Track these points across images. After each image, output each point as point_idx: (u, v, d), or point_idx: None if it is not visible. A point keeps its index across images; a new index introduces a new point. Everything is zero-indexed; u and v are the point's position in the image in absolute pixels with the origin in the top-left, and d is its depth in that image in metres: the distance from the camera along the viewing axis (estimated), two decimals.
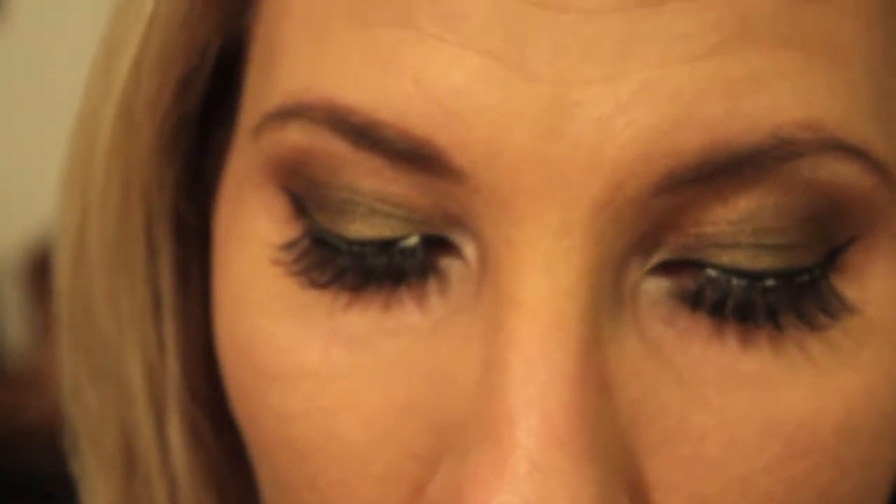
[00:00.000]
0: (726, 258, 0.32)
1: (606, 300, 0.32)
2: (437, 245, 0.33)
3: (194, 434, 0.41)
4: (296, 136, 0.33)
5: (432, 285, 0.33)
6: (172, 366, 0.41)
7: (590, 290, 0.31)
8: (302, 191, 0.34)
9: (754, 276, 0.32)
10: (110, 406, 0.42)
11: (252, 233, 0.35)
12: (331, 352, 0.33)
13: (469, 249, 0.33)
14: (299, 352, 0.34)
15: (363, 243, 0.33)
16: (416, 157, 0.31)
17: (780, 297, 0.32)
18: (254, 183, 0.35)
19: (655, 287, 0.33)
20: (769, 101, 0.30)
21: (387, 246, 0.33)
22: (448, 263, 0.33)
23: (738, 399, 0.32)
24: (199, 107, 0.39)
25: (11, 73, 1.96)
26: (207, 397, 0.41)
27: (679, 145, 0.30)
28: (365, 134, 0.31)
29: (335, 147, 0.32)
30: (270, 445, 0.35)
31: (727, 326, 0.32)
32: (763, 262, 0.32)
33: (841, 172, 0.31)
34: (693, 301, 0.32)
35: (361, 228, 0.33)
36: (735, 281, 0.32)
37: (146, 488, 0.42)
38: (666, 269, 0.32)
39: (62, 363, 0.43)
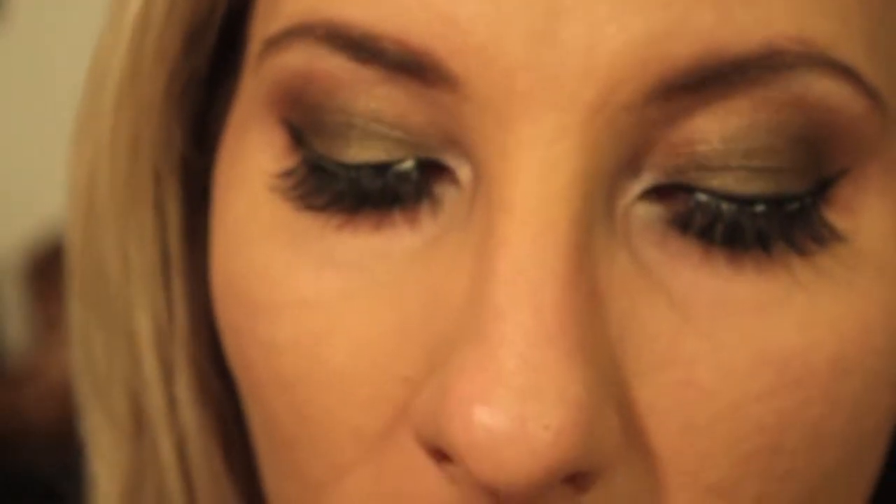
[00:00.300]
0: (716, 182, 0.32)
1: (599, 211, 0.32)
2: (432, 170, 0.33)
3: (202, 390, 0.41)
4: (296, 58, 0.33)
5: (425, 209, 0.33)
6: (181, 322, 0.41)
7: (583, 196, 0.31)
8: (300, 120, 0.34)
9: (744, 201, 0.32)
10: (118, 360, 0.42)
11: (251, 168, 0.36)
12: (322, 278, 0.34)
13: (464, 172, 0.33)
14: (291, 281, 0.34)
15: (359, 167, 0.33)
16: (414, 68, 0.31)
17: (770, 224, 0.32)
18: (255, 118, 0.36)
19: (646, 211, 0.33)
20: (761, 14, 0.31)
21: (382, 170, 0.33)
22: (443, 189, 0.33)
23: (730, 325, 0.32)
24: (207, 65, 0.39)
25: (11, 73, 1.96)
26: (215, 354, 0.40)
27: (671, 52, 0.30)
28: (364, 47, 0.32)
29: (334, 66, 0.32)
30: (259, 380, 0.35)
31: (717, 251, 0.32)
32: (753, 186, 0.32)
33: (833, 92, 0.32)
34: (683, 225, 0.33)
35: (358, 153, 0.33)
36: (725, 205, 0.32)
37: (154, 445, 0.42)
38: (658, 193, 0.32)
39: (71, 314, 0.43)
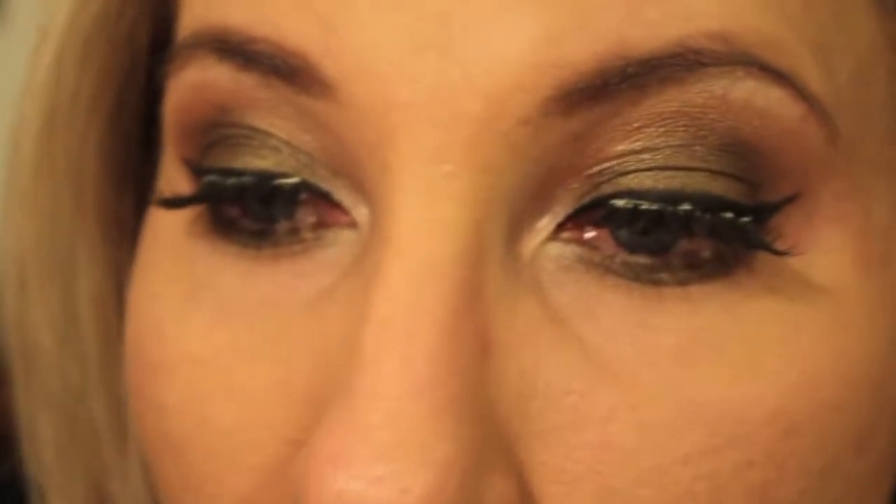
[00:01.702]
0: (633, 181, 0.28)
1: (496, 247, 0.28)
2: (328, 212, 0.30)
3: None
4: (191, 73, 0.31)
5: (320, 255, 0.30)
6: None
7: (473, 227, 0.28)
8: (198, 147, 0.32)
9: (667, 198, 0.28)
10: (74, 445, 0.40)
11: (158, 218, 0.34)
12: (213, 332, 0.31)
13: (361, 212, 0.30)
14: (183, 336, 0.32)
15: (247, 174, 0.31)
16: (288, 71, 0.29)
17: (699, 227, 0.28)
18: (166, 162, 0.34)
19: (560, 252, 0.29)
20: (679, 9, 0.28)
21: (267, 183, 0.31)
22: (338, 233, 0.30)
23: (652, 376, 0.28)
24: (139, 123, 0.37)
25: (11, 73, 1.95)
26: None
27: (570, 53, 0.27)
28: (244, 52, 0.30)
29: (223, 77, 0.30)
30: (151, 443, 0.33)
31: (638, 290, 0.29)
32: (676, 181, 0.28)
33: (760, 95, 0.28)
34: (605, 265, 0.29)
35: (249, 162, 0.31)
36: (645, 205, 0.28)
37: None
38: (573, 227, 0.29)
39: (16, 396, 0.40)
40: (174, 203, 0.33)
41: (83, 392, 0.39)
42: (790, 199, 0.29)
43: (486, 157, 0.28)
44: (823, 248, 0.30)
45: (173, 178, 0.34)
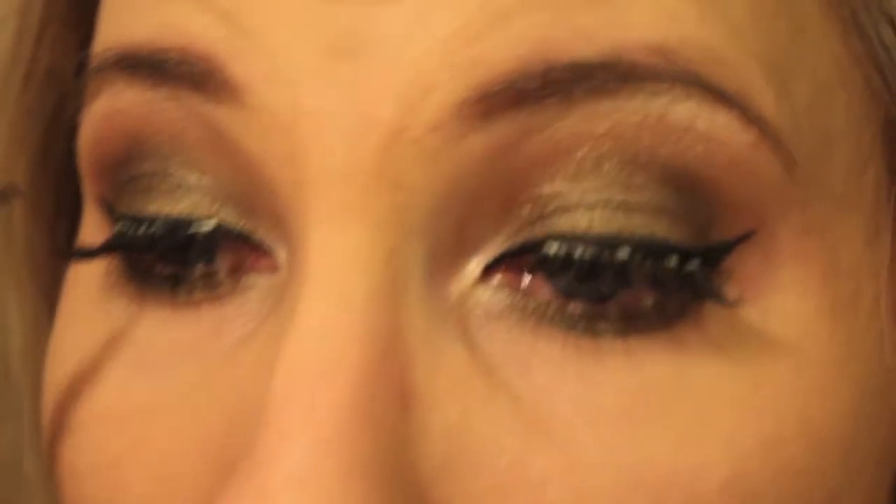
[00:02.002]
0: (566, 223, 0.26)
1: (415, 282, 0.26)
2: (246, 255, 0.28)
3: None
4: (100, 102, 0.29)
5: (237, 300, 0.28)
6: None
7: (387, 255, 0.25)
8: (110, 186, 0.30)
9: (603, 243, 0.25)
10: None
11: (77, 268, 0.32)
12: (128, 387, 0.29)
13: (281, 254, 0.28)
14: (95, 393, 0.29)
15: (160, 222, 0.29)
16: (197, 76, 0.27)
17: (639, 276, 0.25)
18: (86, 201, 0.32)
19: (491, 296, 0.26)
20: (612, 17, 0.25)
21: (183, 231, 0.28)
22: (257, 277, 0.28)
23: (591, 437, 0.25)
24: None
25: None
26: None
27: (487, 53, 0.25)
28: (152, 65, 0.28)
29: (134, 100, 0.28)
30: None
31: (574, 340, 0.26)
32: (614, 223, 0.26)
33: (704, 118, 0.25)
34: (538, 314, 0.26)
35: (163, 206, 0.29)
36: (580, 249, 0.26)
37: None
38: (504, 270, 0.26)
39: None
40: (83, 254, 0.30)
41: (17, 451, 0.37)
42: (744, 238, 0.26)
43: (398, 171, 0.25)
44: (784, 293, 0.27)
45: (90, 221, 0.32)
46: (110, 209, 0.30)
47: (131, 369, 0.29)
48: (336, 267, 0.25)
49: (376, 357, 0.25)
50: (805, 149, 0.27)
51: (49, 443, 0.31)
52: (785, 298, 0.27)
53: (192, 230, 0.28)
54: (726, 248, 0.26)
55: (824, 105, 0.27)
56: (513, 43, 0.25)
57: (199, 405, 0.27)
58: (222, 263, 0.28)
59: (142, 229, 0.29)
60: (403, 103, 0.25)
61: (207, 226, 0.28)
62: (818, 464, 0.27)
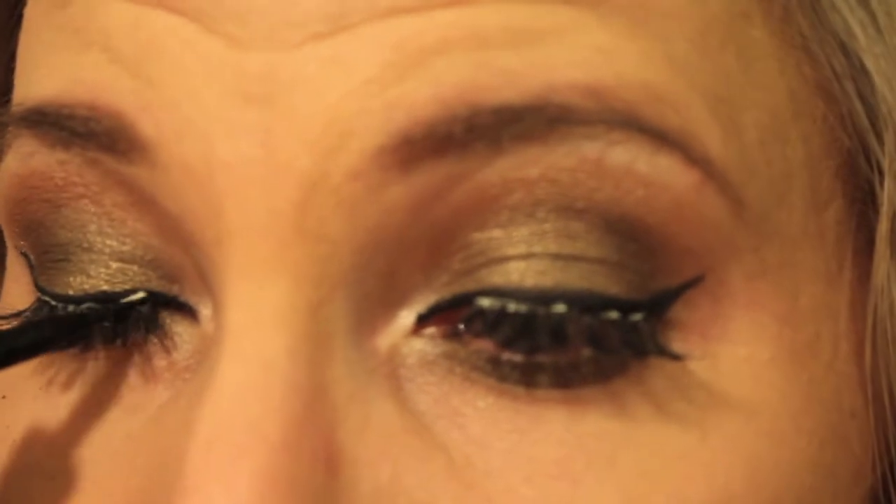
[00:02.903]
0: (499, 277, 0.24)
1: (341, 337, 0.24)
2: (171, 312, 0.27)
3: None
4: (13, 162, 0.28)
5: (164, 359, 0.27)
6: None
7: (310, 312, 0.24)
8: (33, 249, 0.29)
9: (537, 298, 0.24)
10: None
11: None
12: (60, 442, 0.27)
13: (205, 310, 0.26)
14: (29, 446, 0.28)
15: (83, 300, 0.27)
16: (105, 135, 0.26)
17: (577, 331, 0.24)
18: (8, 251, 0.31)
19: (422, 348, 0.25)
20: (540, 57, 0.24)
21: (109, 302, 0.27)
22: (181, 332, 0.27)
23: (530, 494, 0.24)
24: None
25: None
26: None
27: (407, 97, 0.24)
28: (59, 123, 0.26)
29: (45, 161, 0.27)
30: None
31: (510, 393, 0.25)
32: (550, 277, 0.24)
33: (643, 160, 0.24)
34: (471, 363, 0.25)
35: (83, 281, 0.27)
36: (513, 306, 0.24)
37: None
38: (440, 320, 0.25)
39: None
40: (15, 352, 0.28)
41: None
42: (689, 285, 0.25)
43: (318, 222, 0.24)
44: (735, 341, 0.25)
45: (14, 268, 0.30)
46: (31, 266, 0.29)
47: (64, 424, 0.28)
48: (255, 324, 0.24)
49: (298, 419, 0.24)
50: (757, 187, 0.25)
51: None
52: (737, 347, 0.25)
53: (121, 302, 0.27)
54: (671, 297, 0.25)
55: (779, 139, 0.26)
56: (434, 86, 0.24)
57: (126, 465, 0.26)
58: (153, 327, 0.27)
59: (68, 309, 0.28)
60: (320, 151, 0.24)
61: (134, 297, 0.27)
62: None
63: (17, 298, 0.30)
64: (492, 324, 0.25)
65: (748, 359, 0.25)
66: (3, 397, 0.29)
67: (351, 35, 0.24)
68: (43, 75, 0.27)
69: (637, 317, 0.24)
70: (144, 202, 0.26)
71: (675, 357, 0.25)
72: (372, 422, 0.24)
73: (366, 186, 0.24)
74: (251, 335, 0.24)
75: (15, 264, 0.30)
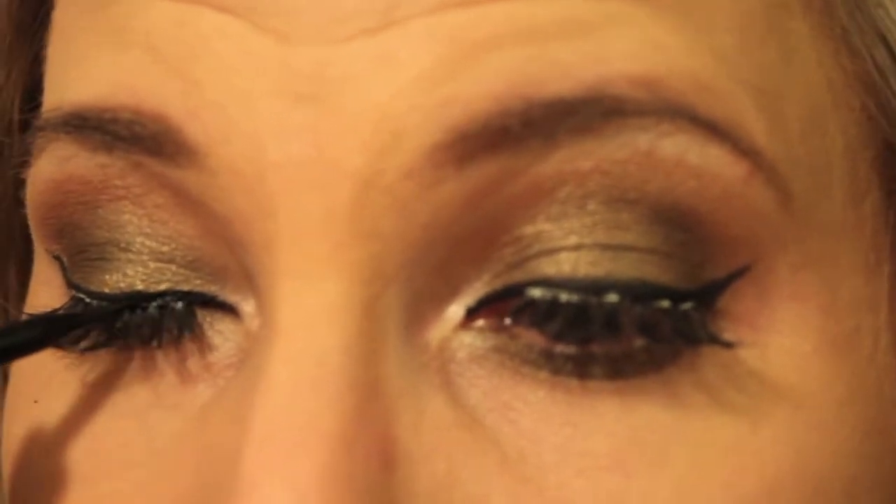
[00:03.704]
0: (551, 268, 0.24)
1: (394, 333, 0.24)
2: (212, 311, 0.27)
3: None
4: (47, 165, 0.27)
5: (201, 357, 0.27)
6: None
7: (364, 309, 0.24)
8: (66, 250, 0.28)
9: (589, 288, 0.24)
10: None
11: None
12: (98, 443, 0.27)
13: (248, 306, 0.26)
14: (63, 449, 0.27)
15: (120, 298, 0.27)
16: (150, 140, 0.25)
17: (628, 321, 0.24)
18: (36, 253, 0.30)
19: (472, 342, 0.25)
20: (593, 49, 0.24)
21: (145, 302, 0.27)
22: (223, 330, 0.27)
23: (581, 489, 0.24)
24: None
25: None
26: None
27: (461, 93, 0.23)
28: (101, 128, 0.26)
29: (83, 165, 0.27)
30: None
31: (563, 385, 0.24)
32: (601, 267, 0.24)
33: (695, 151, 0.24)
34: (522, 356, 0.25)
35: (120, 280, 0.27)
36: (564, 296, 0.24)
37: None
38: (489, 312, 0.25)
39: None
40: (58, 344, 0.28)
41: None
42: (738, 274, 0.25)
43: (372, 221, 0.24)
44: (781, 332, 0.25)
45: (44, 272, 0.30)
46: (64, 268, 0.29)
47: (100, 425, 0.27)
48: (309, 322, 0.24)
49: (354, 414, 0.23)
50: (801, 179, 0.25)
51: (14, 499, 0.29)
52: (783, 337, 0.25)
53: (159, 303, 0.27)
54: (720, 286, 0.25)
55: (819, 132, 0.26)
56: (488, 81, 0.23)
57: (172, 462, 0.26)
58: (189, 326, 0.27)
59: (105, 306, 0.27)
60: (373, 149, 0.24)
61: (169, 299, 0.27)
62: None
63: (47, 301, 0.29)
64: (543, 314, 0.24)
65: (793, 349, 0.25)
66: (35, 402, 0.29)
67: (401, 30, 0.24)
68: (81, 78, 0.27)
69: (687, 306, 0.24)
70: (188, 204, 0.26)
71: (728, 345, 0.25)
72: (425, 417, 0.24)
73: (419, 184, 0.24)
74: (305, 333, 0.24)
75: (45, 268, 0.30)
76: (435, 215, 0.24)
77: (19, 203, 0.34)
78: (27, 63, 0.33)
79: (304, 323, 0.24)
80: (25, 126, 0.33)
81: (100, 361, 0.28)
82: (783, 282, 0.25)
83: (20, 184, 0.34)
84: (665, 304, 0.24)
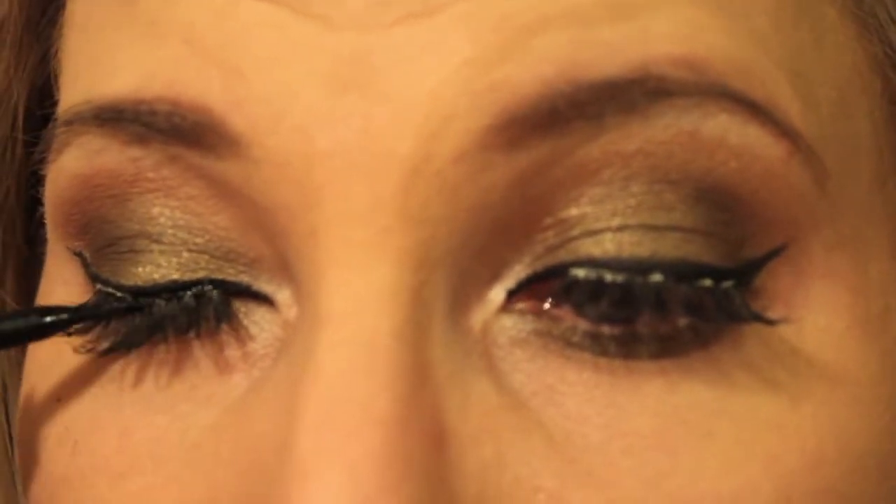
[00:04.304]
0: (596, 248, 0.24)
1: (440, 318, 0.24)
2: (246, 301, 0.27)
3: None
4: (72, 159, 0.27)
5: (236, 348, 0.26)
6: None
7: (413, 294, 0.24)
8: (88, 245, 0.28)
9: (635, 268, 0.24)
10: None
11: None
12: (128, 441, 0.27)
13: (283, 296, 0.26)
14: (94, 446, 0.27)
15: (150, 291, 0.27)
16: (190, 131, 0.25)
17: (673, 300, 0.24)
18: (51, 254, 0.30)
19: (514, 324, 0.25)
20: (637, 31, 0.24)
21: (177, 293, 0.27)
22: (259, 320, 0.26)
23: (628, 468, 0.24)
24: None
25: None
26: None
27: (510, 77, 0.23)
28: (136, 119, 0.25)
29: (114, 158, 0.26)
30: None
31: (606, 366, 0.25)
32: (646, 247, 0.24)
33: (736, 132, 0.24)
34: (565, 338, 0.25)
35: (151, 272, 0.27)
36: (609, 276, 0.24)
37: None
38: (529, 295, 0.25)
39: None
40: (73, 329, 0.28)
41: None
42: (776, 253, 0.25)
43: (421, 206, 0.24)
44: (815, 310, 0.26)
45: (60, 270, 0.29)
46: (86, 263, 0.28)
47: (134, 415, 0.27)
48: (358, 309, 0.24)
49: (406, 397, 0.23)
50: (833, 160, 0.26)
51: (33, 497, 0.29)
52: (817, 316, 0.26)
53: (193, 293, 0.27)
54: (758, 265, 0.25)
55: (847, 114, 0.27)
56: (536, 64, 0.24)
57: (208, 455, 0.26)
58: (225, 316, 0.27)
59: (136, 299, 0.27)
60: (423, 135, 0.24)
61: (206, 288, 0.27)
62: (860, 485, 0.26)
63: (64, 299, 0.29)
64: (588, 295, 0.25)
65: (827, 328, 0.26)
66: (58, 400, 0.28)
67: (446, 15, 0.24)
68: (113, 71, 0.26)
69: (728, 284, 0.25)
70: (225, 195, 0.26)
71: (770, 322, 0.25)
72: (471, 400, 0.24)
73: (469, 169, 0.24)
74: (354, 319, 0.24)
75: (61, 266, 0.29)
76: (482, 199, 0.24)
77: (20, 203, 0.34)
78: (36, 61, 0.32)
79: (352, 310, 0.24)
80: (34, 124, 0.33)
81: (123, 361, 0.28)
82: (817, 261, 0.26)
83: (25, 183, 0.33)
84: (707, 282, 0.25)
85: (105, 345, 0.27)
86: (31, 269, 0.34)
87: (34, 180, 0.33)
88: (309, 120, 0.24)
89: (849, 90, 0.27)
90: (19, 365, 0.34)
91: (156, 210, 0.27)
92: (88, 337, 0.28)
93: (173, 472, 0.26)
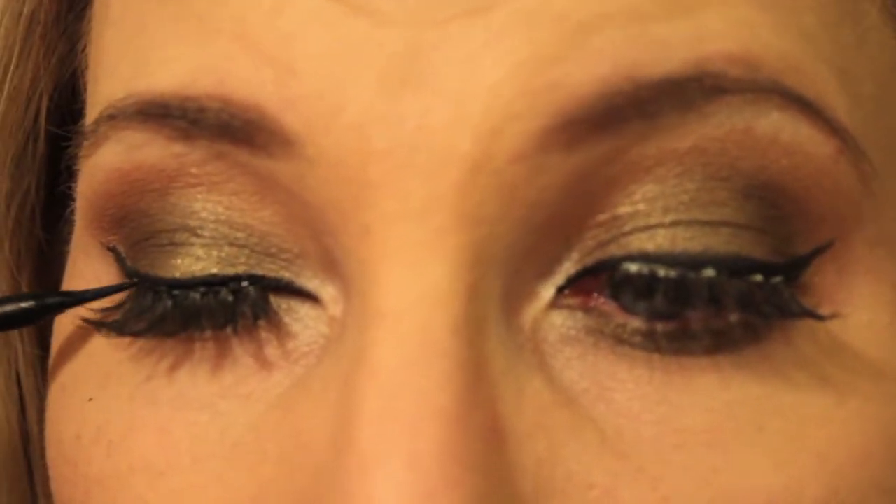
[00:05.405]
0: (649, 243, 0.24)
1: (494, 315, 0.24)
2: (288, 296, 0.26)
3: None
4: (111, 154, 0.27)
5: (277, 344, 0.26)
6: None
7: (469, 292, 0.24)
8: (125, 240, 0.28)
9: (687, 263, 0.24)
10: None
11: (82, 311, 0.29)
12: (167, 437, 0.26)
13: (327, 292, 0.26)
14: (131, 443, 0.27)
15: (189, 285, 0.26)
16: (241, 129, 0.25)
17: (725, 295, 0.24)
18: (80, 249, 0.29)
19: (564, 321, 0.25)
20: (692, 28, 0.24)
21: (216, 286, 0.26)
22: (302, 316, 0.26)
23: (681, 464, 0.24)
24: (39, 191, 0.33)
25: None
26: None
27: (569, 76, 0.23)
28: (183, 116, 0.25)
29: (156, 154, 0.26)
30: None
31: (659, 362, 0.25)
32: (697, 243, 0.24)
33: (788, 129, 0.24)
34: (616, 336, 0.25)
35: (191, 265, 0.27)
36: (662, 271, 0.24)
37: None
38: (579, 291, 0.25)
39: None
40: (110, 315, 0.28)
41: None
42: (823, 249, 0.25)
43: (478, 205, 0.24)
44: (859, 306, 0.26)
45: (93, 267, 0.29)
46: (120, 257, 0.28)
47: (171, 413, 0.27)
48: (414, 305, 0.24)
49: (465, 393, 0.23)
50: (876, 158, 0.26)
51: (65, 497, 0.29)
52: (860, 312, 0.26)
53: (233, 287, 0.26)
54: (806, 261, 0.25)
55: (887, 111, 0.27)
56: (593, 63, 0.23)
57: (249, 454, 0.26)
58: (263, 312, 0.26)
59: (174, 294, 0.27)
60: (482, 133, 0.23)
61: (243, 284, 0.26)
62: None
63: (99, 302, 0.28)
64: (641, 290, 0.25)
65: (871, 324, 0.26)
66: (90, 400, 0.28)
67: (503, 12, 0.24)
68: (159, 67, 0.26)
69: (777, 280, 0.25)
70: (271, 191, 0.25)
71: (820, 318, 0.25)
72: (525, 397, 0.24)
73: (526, 169, 0.24)
74: (410, 315, 0.24)
75: (93, 262, 0.29)
76: (538, 198, 0.24)
77: (41, 199, 0.33)
78: (63, 55, 0.32)
79: (408, 306, 0.24)
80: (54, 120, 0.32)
81: (158, 355, 0.27)
82: (860, 257, 0.26)
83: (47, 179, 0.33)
84: (758, 278, 0.25)
85: (140, 326, 0.27)
86: (50, 267, 0.34)
87: (53, 176, 0.33)
88: (364, 118, 0.24)
89: (889, 88, 0.27)
90: (34, 365, 0.34)
91: (198, 205, 0.26)
92: (118, 318, 0.27)
93: (216, 471, 0.26)
